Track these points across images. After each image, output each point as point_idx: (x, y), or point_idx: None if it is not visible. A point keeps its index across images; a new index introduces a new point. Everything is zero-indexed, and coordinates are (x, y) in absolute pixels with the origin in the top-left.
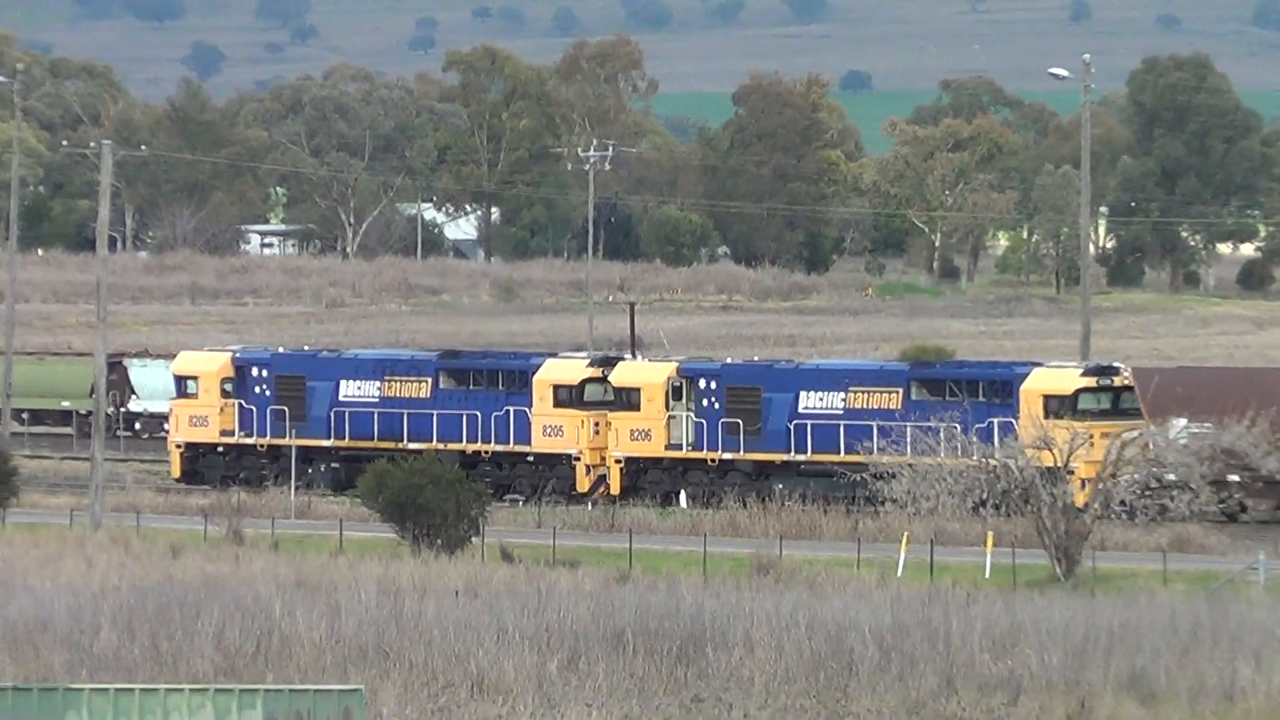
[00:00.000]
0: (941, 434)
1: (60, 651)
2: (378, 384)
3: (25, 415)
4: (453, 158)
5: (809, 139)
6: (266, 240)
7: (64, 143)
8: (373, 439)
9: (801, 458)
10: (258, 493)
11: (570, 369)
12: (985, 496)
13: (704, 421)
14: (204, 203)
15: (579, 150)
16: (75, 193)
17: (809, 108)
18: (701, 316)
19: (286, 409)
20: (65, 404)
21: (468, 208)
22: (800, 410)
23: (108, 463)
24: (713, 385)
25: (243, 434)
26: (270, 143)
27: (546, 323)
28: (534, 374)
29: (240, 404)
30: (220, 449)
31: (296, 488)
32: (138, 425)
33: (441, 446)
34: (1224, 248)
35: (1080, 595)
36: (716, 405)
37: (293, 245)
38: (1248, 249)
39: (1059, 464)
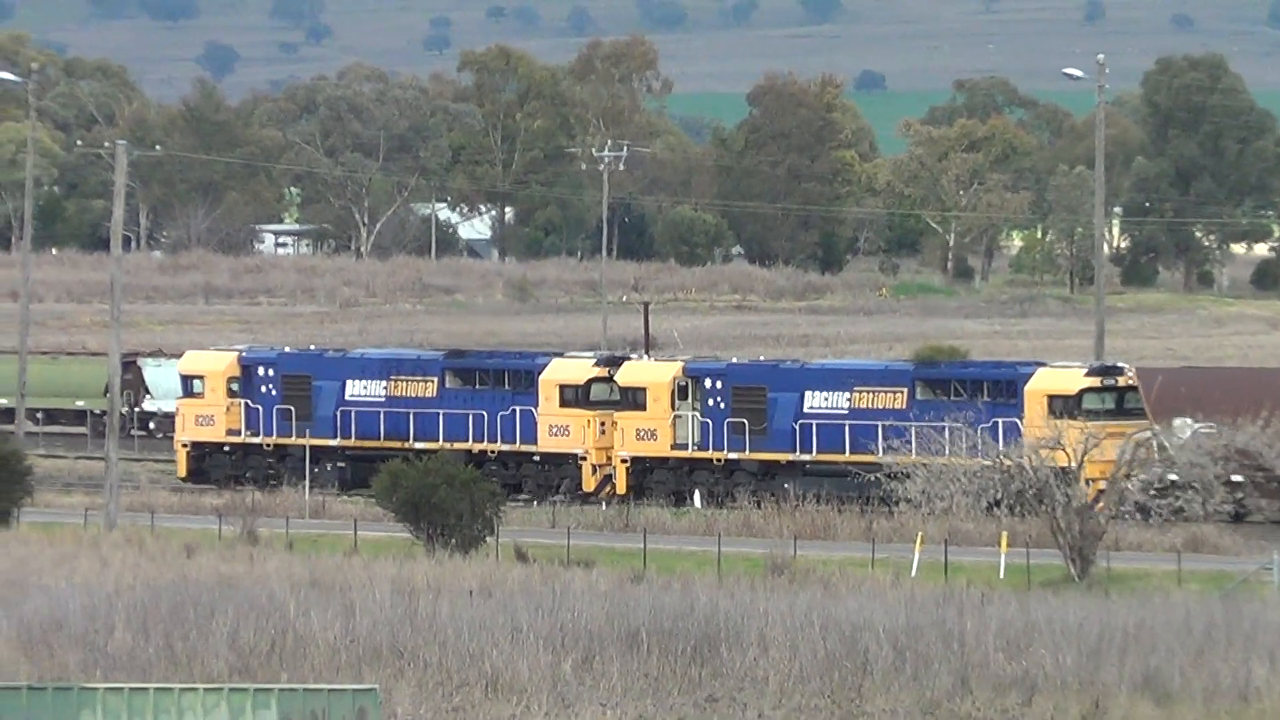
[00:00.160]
0: (947, 434)
1: (75, 651)
2: (384, 384)
3: (40, 415)
4: (467, 158)
5: (823, 139)
6: (281, 240)
7: (78, 143)
8: (379, 439)
9: (807, 457)
10: (272, 492)
11: (576, 369)
12: (999, 497)
13: (710, 421)
14: (218, 203)
15: (593, 150)
16: (90, 193)
17: (823, 108)
18: (716, 316)
19: (293, 408)
20: (80, 403)
21: (482, 208)
22: (805, 410)
23: (122, 462)
24: (718, 385)
25: (249, 433)
26: (284, 143)
27: (560, 323)
28: (540, 374)
29: (246, 403)
30: (226, 448)
31: (308, 488)
32: (152, 425)
33: (447, 446)
34: (1238, 248)
35: (1095, 595)
36: (722, 405)
37: (307, 245)
38: (1262, 249)
39: (1072, 464)
